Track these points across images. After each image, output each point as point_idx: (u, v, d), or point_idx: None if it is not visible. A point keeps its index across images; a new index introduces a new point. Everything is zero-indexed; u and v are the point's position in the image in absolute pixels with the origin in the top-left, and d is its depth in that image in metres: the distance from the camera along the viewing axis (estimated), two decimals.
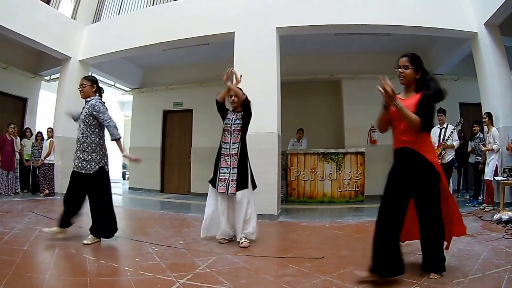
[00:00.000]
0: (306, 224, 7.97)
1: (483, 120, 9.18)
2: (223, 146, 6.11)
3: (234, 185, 5.82)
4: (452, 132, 9.71)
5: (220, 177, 5.97)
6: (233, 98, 6.17)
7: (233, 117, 6.18)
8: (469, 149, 11.10)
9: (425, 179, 3.91)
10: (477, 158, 10.39)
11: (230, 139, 6.05)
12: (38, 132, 13.64)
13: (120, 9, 13.30)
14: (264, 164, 8.61)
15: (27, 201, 10.73)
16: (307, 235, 6.75)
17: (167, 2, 11.95)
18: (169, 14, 11.23)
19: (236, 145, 6.03)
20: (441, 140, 9.76)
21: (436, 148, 9.66)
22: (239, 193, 5.80)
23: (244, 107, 6.14)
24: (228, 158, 5.98)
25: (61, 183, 12.19)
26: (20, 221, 7.13)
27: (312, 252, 5.28)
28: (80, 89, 5.80)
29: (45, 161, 12.51)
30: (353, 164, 12.07)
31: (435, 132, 9.92)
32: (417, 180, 3.92)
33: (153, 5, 12.22)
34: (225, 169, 5.96)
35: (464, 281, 3.73)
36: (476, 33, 9.50)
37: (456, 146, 9.80)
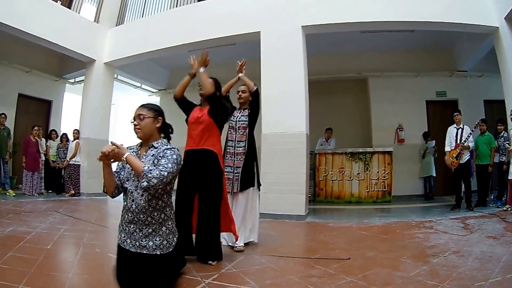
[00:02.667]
0: (333, 224, 7.90)
1: (511, 117, 8.98)
2: (228, 144, 5.90)
3: (238, 184, 5.65)
4: (469, 135, 9.51)
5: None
6: (240, 93, 6.01)
7: (238, 114, 5.93)
8: None
9: (212, 176, 4.81)
10: (501, 158, 9.97)
11: (235, 136, 5.82)
12: (63, 134, 13.87)
13: (143, 11, 13.42)
14: (293, 164, 8.61)
15: (52, 201, 10.83)
16: (334, 236, 6.70)
17: (190, 3, 11.97)
18: (194, 15, 11.24)
19: (242, 143, 5.80)
20: (458, 141, 9.58)
21: (453, 149, 9.64)
22: (242, 192, 5.64)
23: (254, 102, 5.96)
24: (232, 157, 5.77)
25: (87, 184, 12.52)
26: (44, 221, 7.17)
27: (339, 253, 5.22)
28: (136, 123, 3.64)
29: (70, 162, 12.68)
30: (381, 163, 11.90)
31: (451, 131, 9.87)
32: (205, 177, 4.77)
33: (176, 6, 12.27)
34: (229, 168, 5.69)
35: (485, 284, 3.67)
36: (497, 27, 9.21)
37: (471, 148, 9.62)
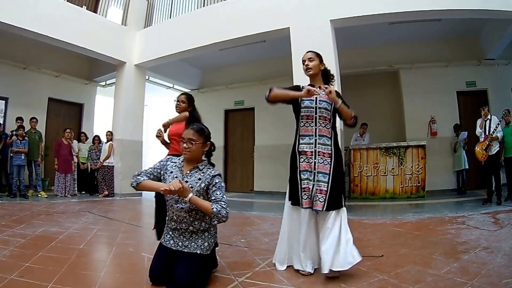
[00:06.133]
0: (367, 221, 7.83)
1: None
2: (301, 141, 4.15)
3: (323, 200, 3.91)
4: (498, 125, 9.42)
5: (302, 186, 4.04)
6: (307, 63, 4.63)
7: (317, 97, 4.15)
8: None
9: None
10: None
11: (316, 130, 4.10)
12: (95, 136, 14.09)
13: (171, 13, 13.58)
14: None
15: (85, 202, 11.04)
16: (368, 232, 6.61)
17: (218, 2, 12.00)
18: (223, 14, 11.29)
19: (327, 140, 4.10)
20: (487, 132, 9.47)
21: (483, 140, 9.55)
22: (330, 213, 3.92)
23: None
24: (312, 158, 4.05)
25: (121, 184, 12.69)
26: (76, 221, 7.24)
27: (372, 250, 5.15)
28: (187, 147, 3.74)
29: (104, 164, 12.92)
30: (415, 158, 11.66)
31: (480, 124, 9.79)
32: None
33: (203, 6, 12.37)
34: (307, 173, 4.04)
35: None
36: None
37: (500, 138, 9.42)
